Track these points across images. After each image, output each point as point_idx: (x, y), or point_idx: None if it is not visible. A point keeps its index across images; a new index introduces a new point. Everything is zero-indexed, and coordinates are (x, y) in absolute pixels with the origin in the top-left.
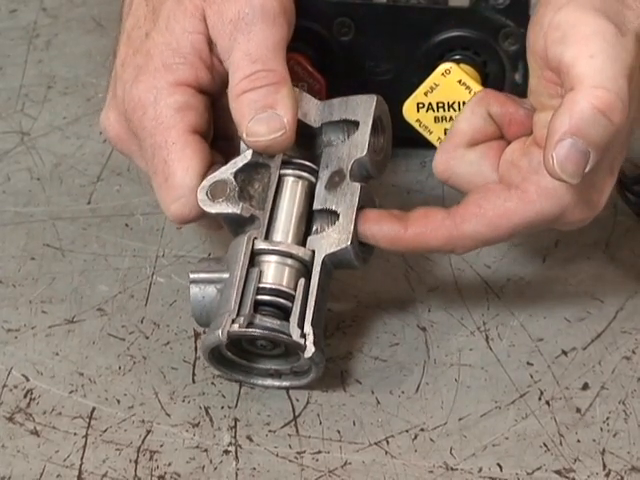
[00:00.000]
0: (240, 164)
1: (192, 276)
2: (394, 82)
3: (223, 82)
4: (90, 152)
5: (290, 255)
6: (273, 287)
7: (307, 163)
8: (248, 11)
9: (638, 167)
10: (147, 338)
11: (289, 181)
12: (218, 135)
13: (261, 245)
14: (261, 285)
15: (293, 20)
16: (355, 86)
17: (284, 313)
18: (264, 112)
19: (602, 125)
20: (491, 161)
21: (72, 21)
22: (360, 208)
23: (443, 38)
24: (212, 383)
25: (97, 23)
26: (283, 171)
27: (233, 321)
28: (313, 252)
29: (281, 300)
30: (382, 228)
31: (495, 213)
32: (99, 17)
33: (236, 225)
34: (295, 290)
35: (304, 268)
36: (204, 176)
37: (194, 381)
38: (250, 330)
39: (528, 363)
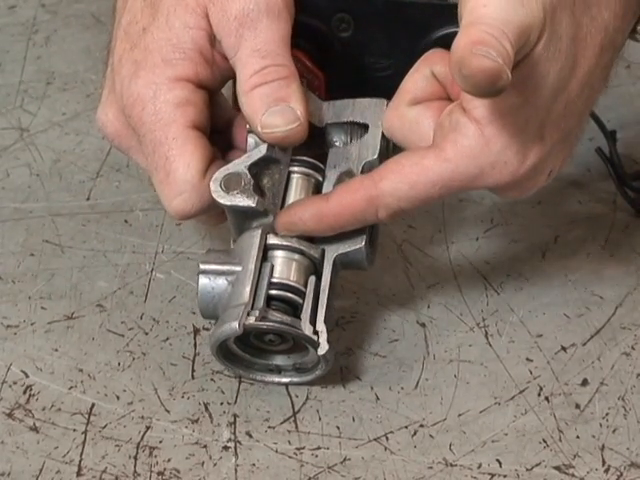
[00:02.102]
0: (255, 157)
1: (202, 267)
2: (393, 78)
3: (223, 78)
4: (89, 148)
5: (301, 252)
6: (285, 282)
7: (314, 161)
8: (253, 7)
9: (637, 163)
10: (146, 334)
11: (295, 178)
12: (212, 128)
13: (274, 240)
14: (273, 280)
15: (294, 14)
16: (354, 82)
17: (293, 309)
18: (277, 105)
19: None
20: (429, 121)
21: (71, 17)
22: None
23: (442, 34)
24: (211, 379)
25: (96, 19)
26: (290, 168)
27: (249, 314)
28: (323, 250)
29: (292, 296)
30: (307, 209)
31: (412, 170)
32: (98, 13)
33: (243, 219)
34: (305, 287)
35: (313, 266)
36: (205, 172)
37: (193, 377)
38: (268, 323)
39: (527, 359)
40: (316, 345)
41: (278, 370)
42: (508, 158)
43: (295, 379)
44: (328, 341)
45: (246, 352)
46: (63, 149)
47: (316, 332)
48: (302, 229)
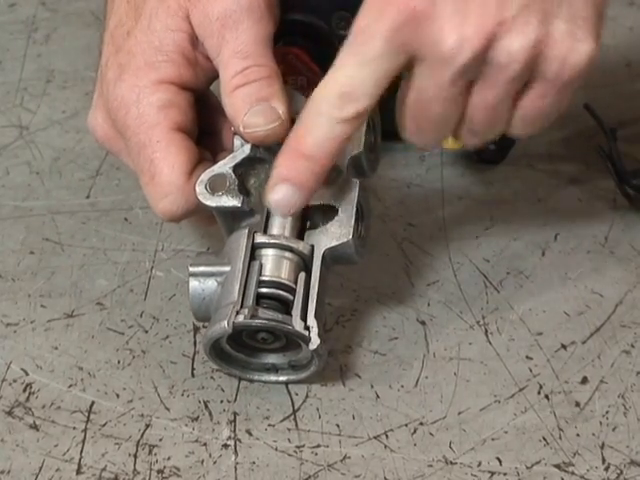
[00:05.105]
0: (239, 158)
1: (192, 269)
2: None
3: (207, 79)
4: (89, 146)
5: (290, 249)
6: (275, 280)
7: None
8: (235, 8)
9: (637, 161)
10: (146, 332)
11: None
12: (202, 131)
13: (262, 239)
14: (263, 278)
15: (278, 14)
16: None
17: (284, 307)
18: (259, 105)
19: None
20: None
21: (71, 15)
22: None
23: None
24: (211, 377)
25: (96, 17)
26: None
27: (237, 312)
28: (312, 246)
29: (282, 293)
30: (279, 155)
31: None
32: (98, 11)
33: (232, 219)
34: (295, 283)
35: (302, 262)
36: (191, 173)
37: (193, 375)
38: (257, 321)
39: (527, 357)
40: (307, 340)
41: (274, 369)
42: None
43: (292, 377)
44: (319, 336)
45: (240, 352)
46: (63, 147)
47: (307, 327)
48: (287, 175)
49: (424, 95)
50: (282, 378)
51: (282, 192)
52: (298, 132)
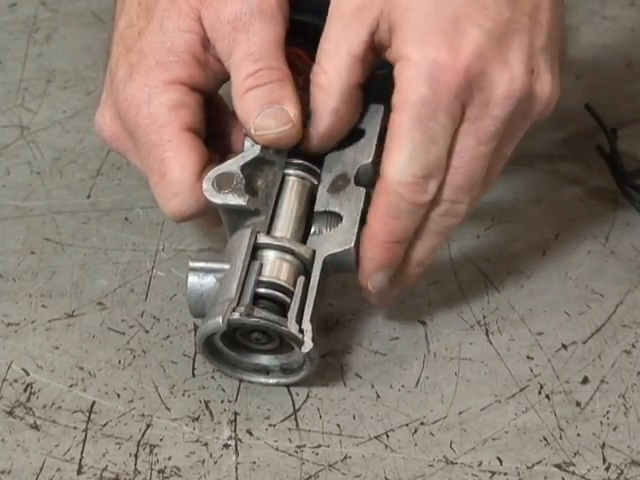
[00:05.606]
0: (248, 158)
1: (192, 264)
2: (392, 76)
3: (217, 80)
4: (90, 146)
5: (292, 252)
6: (273, 281)
7: (309, 165)
8: (245, 10)
9: (637, 161)
10: (147, 332)
11: (291, 181)
12: (211, 133)
13: (264, 239)
14: (261, 278)
15: (288, 16)
16: None
17: (281, 308)
18: (270, 107)
19: None
20: None
21: (72, 15)
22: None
23: None
24: (212, 377)
25: (97, 17)
26: (286, 171)
27: (233, 309)
28: (314, 251)
29: (280, 295)
30: (361, 249)
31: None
32: (99, 11)
33: (236, 219)
34: (294, 287)
35: (303, 266)
36: (201, 174)
37: (194, 375)
38: (252, 319)
39: (528, 357)
40: (300, 343)
41: (265, 371)
42: None
43: (282, 380)
44: (313, 340)
45: (233, 351)
46: (64, 147)
47: (301, 331)
48: (383, 264)
49: (469, 154)
50: (272, 380)
51: (381, 279)
52: (384, 221)
